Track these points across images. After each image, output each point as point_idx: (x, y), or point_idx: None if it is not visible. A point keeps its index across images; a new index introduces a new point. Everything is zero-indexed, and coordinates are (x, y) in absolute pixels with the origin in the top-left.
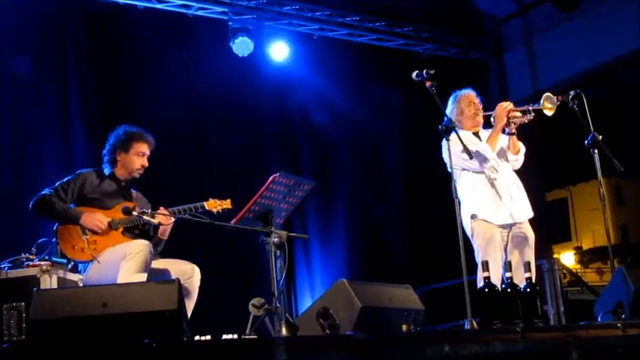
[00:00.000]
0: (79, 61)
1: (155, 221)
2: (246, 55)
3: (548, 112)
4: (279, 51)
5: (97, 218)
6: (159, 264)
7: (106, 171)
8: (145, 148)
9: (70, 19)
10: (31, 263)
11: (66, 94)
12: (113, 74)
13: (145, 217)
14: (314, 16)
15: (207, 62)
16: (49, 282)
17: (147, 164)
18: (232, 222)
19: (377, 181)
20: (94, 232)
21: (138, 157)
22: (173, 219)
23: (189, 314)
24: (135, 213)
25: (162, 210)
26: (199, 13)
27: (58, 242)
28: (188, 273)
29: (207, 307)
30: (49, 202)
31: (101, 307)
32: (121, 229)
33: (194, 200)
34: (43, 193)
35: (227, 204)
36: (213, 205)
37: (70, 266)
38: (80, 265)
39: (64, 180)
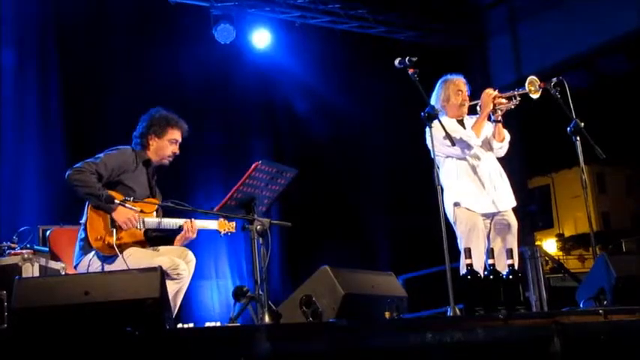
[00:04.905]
0: (60, 51)
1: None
2: (228, 43)
3: (534, 95)
4: (261, 38)
5: (129, 217)
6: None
7: (141, 154)
8: (178, 136)
9: (51, 8)
10: (12, 252)
11: (46, 83)
12: (94, 62)
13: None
14: (296, 4)
15: (189, 50)
16: (30, 270)
17: (178, 152)
18: (215, 209)
19: (359, 167)
20: (121, 228)
21: (171, 144)
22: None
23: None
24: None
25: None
26: (181, 0)
27: (86, 226)
28: (188, 256)
29: (190, 295)
30: (90, 181)
31: (83, 295)
32: (143, 230)
33: (177, 189)
34: (82, 166)
35: (232, 227)
36: (223, 226)
37: None
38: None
39: (109, 153)
